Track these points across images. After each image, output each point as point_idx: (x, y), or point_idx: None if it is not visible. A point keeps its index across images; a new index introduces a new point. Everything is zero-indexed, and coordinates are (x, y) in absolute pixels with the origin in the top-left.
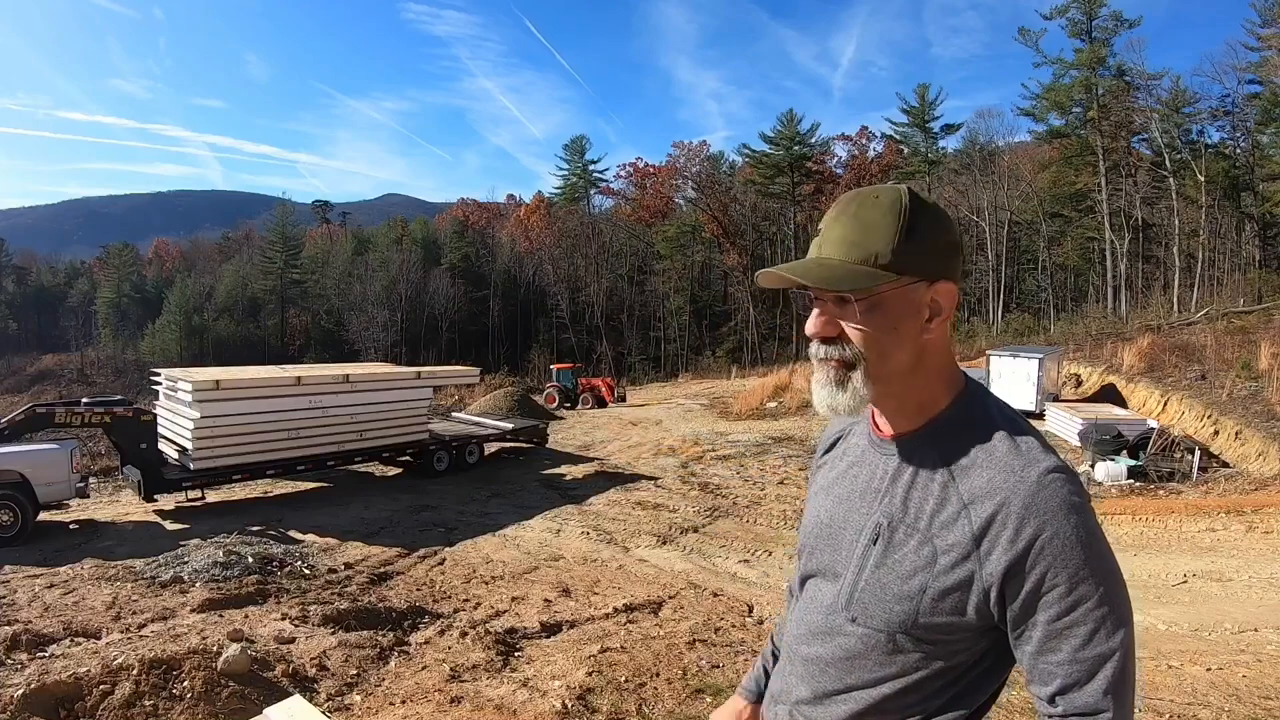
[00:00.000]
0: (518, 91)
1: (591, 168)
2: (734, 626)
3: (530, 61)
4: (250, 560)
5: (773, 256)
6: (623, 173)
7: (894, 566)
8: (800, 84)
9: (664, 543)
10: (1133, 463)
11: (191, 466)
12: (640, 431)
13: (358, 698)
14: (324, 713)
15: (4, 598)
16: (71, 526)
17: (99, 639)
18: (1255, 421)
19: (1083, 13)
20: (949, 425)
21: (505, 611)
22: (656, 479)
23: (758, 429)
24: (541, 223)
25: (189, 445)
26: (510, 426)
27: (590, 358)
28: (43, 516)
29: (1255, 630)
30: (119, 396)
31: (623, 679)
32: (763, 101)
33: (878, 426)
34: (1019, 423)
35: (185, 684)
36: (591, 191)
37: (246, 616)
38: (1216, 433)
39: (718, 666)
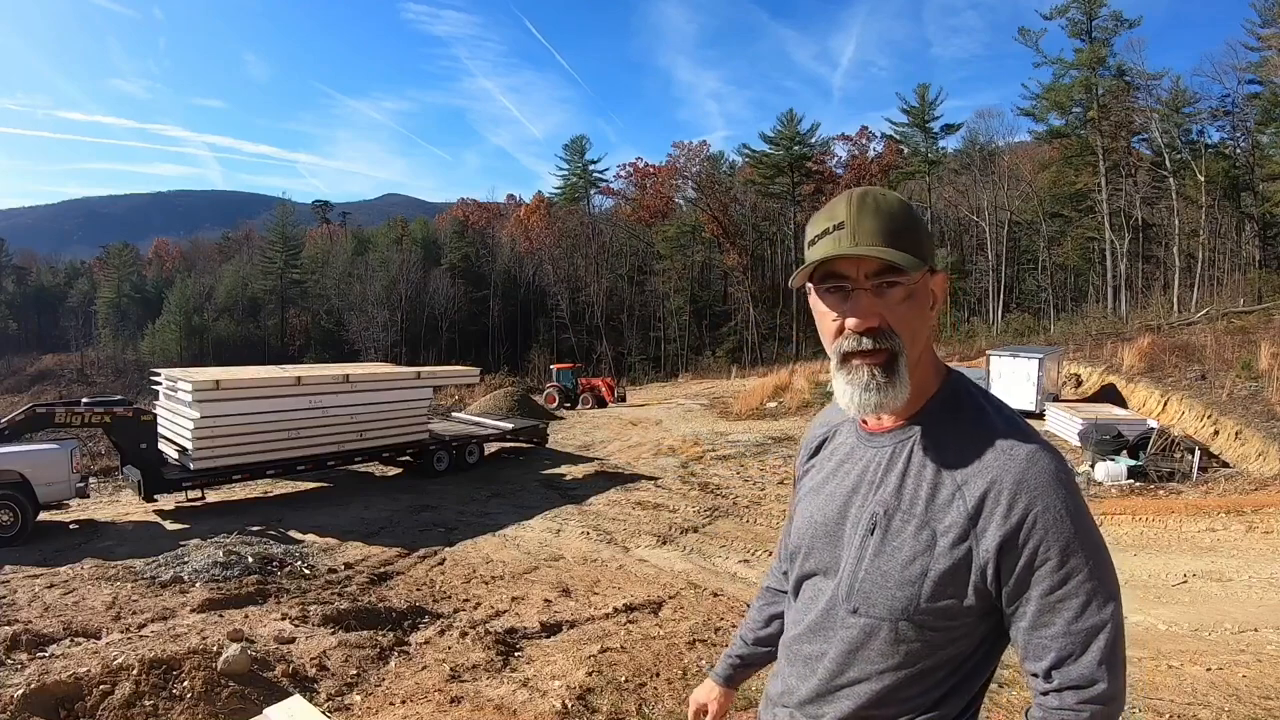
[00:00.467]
0: (517, 91)
1: (591, 168)
2: (734, 626)
3: (530, 61)
4: (250, 560)
5: (773, 256)
6: (623, 173)
7: (893, 554)
8: (800, 84)
9: (664, 543)
10: (1133, 463)
11: (191, 466)
12: (640, 431)
13: (358, 698)
14: (324, 713)
15: (4, 598)
16: (71, 526)
17: (99, 639)
18: (1255, 421)
19: (1083, 13)
20: (938, 412)
21: (505, 611)
22: (656, 479)
23: (758, 429)
24: (541, 223)
25: (189, 445)
26: (510, 426)
27: (590, 358)
28: (43, 516)
29: (1255, 630)
30: (119, 396)
31: (623, 679)
32: (763, 101)
33: (865, 422)
34: (1002, 406)
35: (185, 684)
36: (591, 191)
37: (246, 616)
38: (1216, 433)
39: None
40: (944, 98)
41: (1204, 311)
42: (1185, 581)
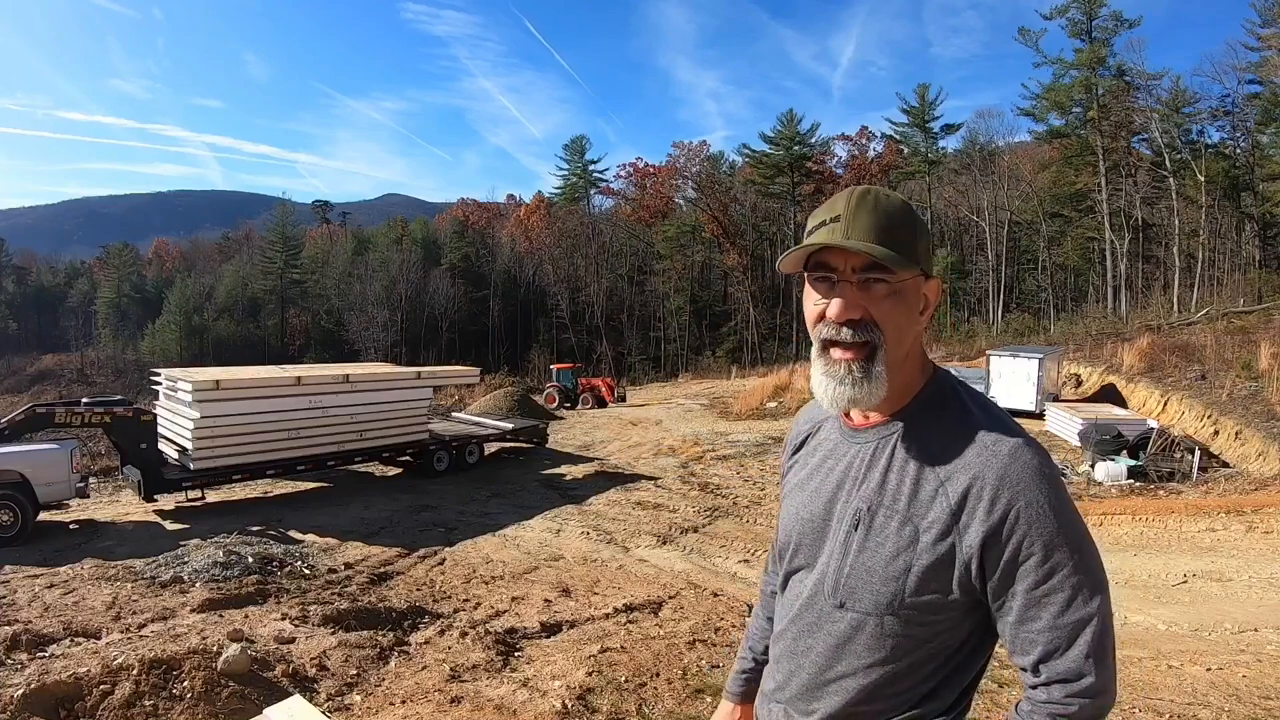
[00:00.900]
0: (517, 91)
1: (591, 168)
2: (734, 626)
3: (530, 61)
4: (250, 560)
5: (773, 256)
6: (623, 173)
7: (877, 549)
8: (800, 84)
9: (664, 543)
10: (1133, 463)
11: (191, 466)
12: (640, 431)
13: (358, 698)
14: (324, 713)
15: (4, 598)
16: (71, 526)
17: (99, 639)
18: (1255, 421)
19: (1083, 13)
20: (921, 409)
21: (505, 611)
22: (656, 479)
23: (758, 429)
24: (541, 223)
25: (189, 445)
26: (510, 426)
27: (590, 358)
28: (43, 516)
29: (1255, 630)
30: (119, 396)
31: (623, 679)
32: (762, 101)
33: (849, 418)
34: (987, 404)
35: (185, 684)
36: (591, 191)
37: (246, 616)
38: (1216, 433)
39: (718, 666)
40: (944, 98)
41: (1204, 311)
42: (1185, 581)
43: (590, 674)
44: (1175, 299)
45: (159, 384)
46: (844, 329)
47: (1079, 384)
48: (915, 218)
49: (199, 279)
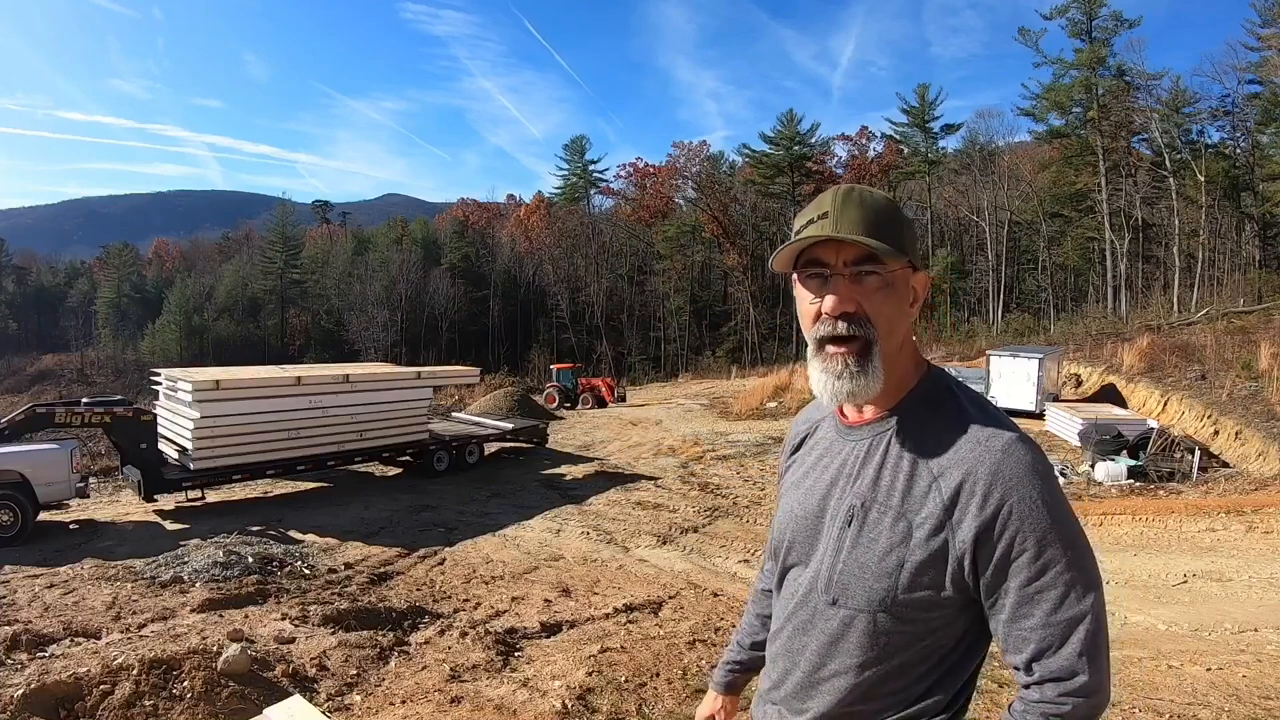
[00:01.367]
0: (517, 91)
1: (591, 168)
2: (734, 627)
3: (529, 61)
4: (250, 560)
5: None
6: (623, 173)
7: (870, 545)
8: (800, 84)
9: (664, 543)
10: (1133, 463)
11: (191, 466)
12: (640, 431)
13: (358, 698)
14: (324, 713)
15: (4, 598)
16: (71, 526)
17: (99, 639)
18: (1255, 421)
19: (1083, 13)
20: (916, 405)
21: (505, 611)
22: (656, 479)
23: (758, 429)
24: (541, 223)
25: (189, 445)
26: (510, 426)
27: (590, 358)
28: (43, 516)
29: (1255, 630)
30: (119, 396)
31: (623, 679)
32: (762, 101)
33: (844, 415)
34: (981, 401)
35: (185, 684)
36: (591, 191)
37: (246, 616)
38: (1216, 433)
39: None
40: (944, 98)
41: (1204, 311)
42: (1185, 581)
43: (590, 674)
44: (1175, 299)
45: (159, 384)
46: (839, 322)
47: (1079, 384)
48: (900, 212)
49: (199, 279)
